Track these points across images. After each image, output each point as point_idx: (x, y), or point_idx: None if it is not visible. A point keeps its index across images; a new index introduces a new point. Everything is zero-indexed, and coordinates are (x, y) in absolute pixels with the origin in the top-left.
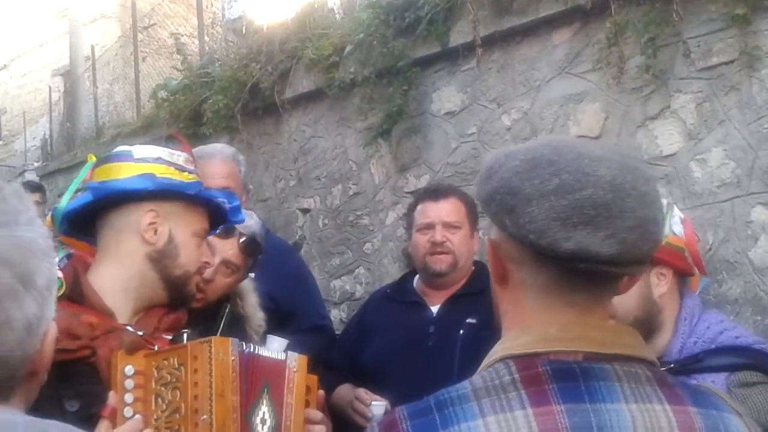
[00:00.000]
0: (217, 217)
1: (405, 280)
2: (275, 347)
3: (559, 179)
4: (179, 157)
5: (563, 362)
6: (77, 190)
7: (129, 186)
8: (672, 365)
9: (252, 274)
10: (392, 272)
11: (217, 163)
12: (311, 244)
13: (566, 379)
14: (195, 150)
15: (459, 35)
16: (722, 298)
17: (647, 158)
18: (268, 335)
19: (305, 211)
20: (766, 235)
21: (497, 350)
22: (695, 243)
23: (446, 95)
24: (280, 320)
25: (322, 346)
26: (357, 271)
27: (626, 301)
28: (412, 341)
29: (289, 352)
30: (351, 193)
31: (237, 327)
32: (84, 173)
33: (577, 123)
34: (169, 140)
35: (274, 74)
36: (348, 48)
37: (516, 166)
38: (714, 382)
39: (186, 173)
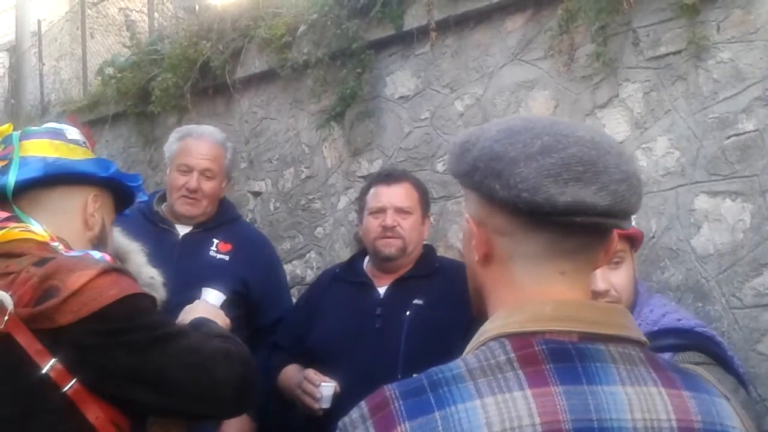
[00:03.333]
0: (123, 199)
1: (354, 261)
2: (212, 299)
3: (541, 141)
4: (85, 139)
5: (559, 342)
6: None
7: (86, 169)
8: (647, 346)
9: (227, 257)
10: (343, 257)
11: (207, 143)
12: (262, 228)
13: (563, 359)
14: (186, 127)
15: (413, 19)
16: (664, 285)
17: None
18: (204, 288)
19: (256, 194)
20: (708, 223)
21: (488, 329)
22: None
23: (400, 79)
24: (247, 308)
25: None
26: (308, 255)
27: (624, 284)
28: (360, 322)
29: None
30: (303, 176)
31: None
32: (16, 143)
33: (528, 110)
34: (64, 122)
35: (225, 53)
36: (301, 28)
37: (494, 135)
38: None
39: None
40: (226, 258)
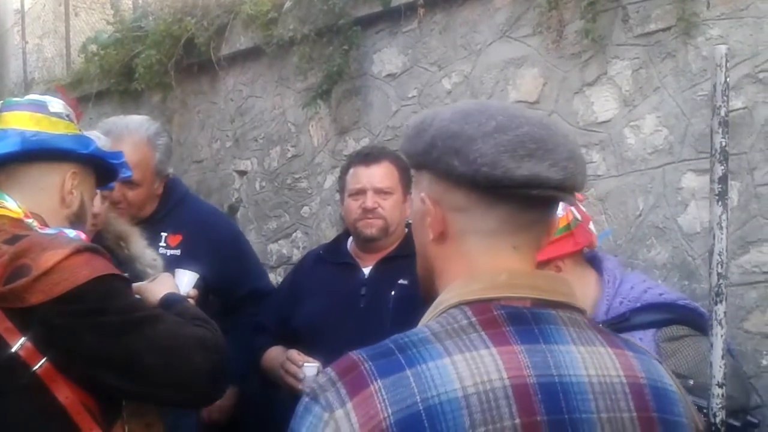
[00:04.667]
0: (105, 174)
1: (338, 242)
2: (186, 281)
3: (495, 121)
4: (72, 113)
5: (514, 307)
6: None
7: (65, 145)
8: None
9: (178, 251)
10: (330, 236)
11: (126, 146)
12: (248, 207)
13: (520, 322)
14: (107, 121)
15: None
16: (651, 263)
17: (583, 124)
18: (177, 269)
19: (242, 173)
20: (695, 201)
21: (445, 298)
22: (577, 206)
23: (387, 57)
24: (211, 292)
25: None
26: (294, 234)
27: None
28: (344, 303)
29: None
30: (289, 155)
31: (124, 269)
32: None
33: (516, 88)
34: (51, 93)
35: (210, 29)
36: (287, 4)
37: (450, 116)
38: (642, 339)
39: (79, 131)
40: (177, 252)
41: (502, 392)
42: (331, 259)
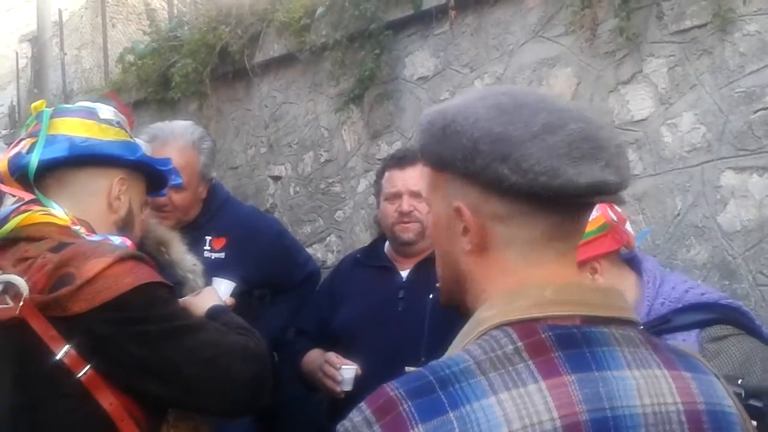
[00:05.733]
0: (154, 181)
1: (376, 245)
2: (223, 290)
3: (540, 118)
4: (124, 119)
5: (564, 327)
6: (22, 139)
7: (113, 151)
8: (642, 327)
9: (222, 254)
10: (364, 240)
11: (172, 151)
12: (282, 212)
13: (570, 345)
14: (152, 127)
15: None
16: (690, 263)
17: (618, 123)
18: (214, 278)
19: (276, 178)
20: (735, 199)
21: (487, 316)
22: (612, 207)
23: (419, 60)
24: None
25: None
26: (329, 239)
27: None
28: (382, 306)
29: None
30: (323, 160)
31: (165, 274)
32: (45, 121)
33: (550, 88)
34: (103, 99)
35: (243, 37)
36: (319, 10)
37: (485, 114)
38: (685, 340)
39: (130, 137)
40: (222, 255)
41: None
42: (368, 263)
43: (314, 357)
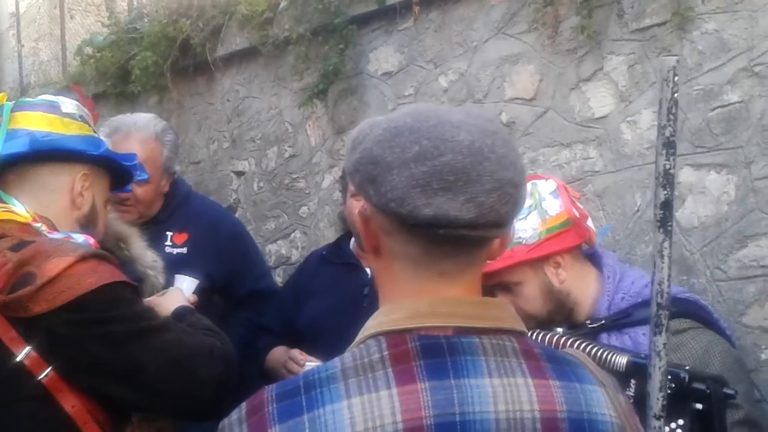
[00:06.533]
0: (118, 176)
1: (341, 242)
2: (186, 287)
3: (419, 146)
4: (87, 113)
5: (432, 337)
6: None
7: (75, 146)
8: (603, 322)
9: (184, 249)
10: (328, 236)
11: (134, 143)
12: (246, 208)
13: (433, 355)
14: (114, 119)
15: None
16: (649, 259)
17: (580, 120)
18: (177, 275)
19: (239, 173)
20: (692, 196)
21: (369, 326)
22: (574, 203)
23: (383, 55)
24: (216, 291)
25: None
26: (293, 235)
27: (532, 303)
28: (347, 303)
29: None
30: (287, 155)
31: (125, 271)
32: (6, 115)
33: (513, 85)
34: (66, 92)
35: (205, 30)
36: (282, 4)
37: (378, 135)
38: (645, 334)
39: (93, 132)
40: (184, 250)
41: None
42: (334, 260)
43: (278, 354)
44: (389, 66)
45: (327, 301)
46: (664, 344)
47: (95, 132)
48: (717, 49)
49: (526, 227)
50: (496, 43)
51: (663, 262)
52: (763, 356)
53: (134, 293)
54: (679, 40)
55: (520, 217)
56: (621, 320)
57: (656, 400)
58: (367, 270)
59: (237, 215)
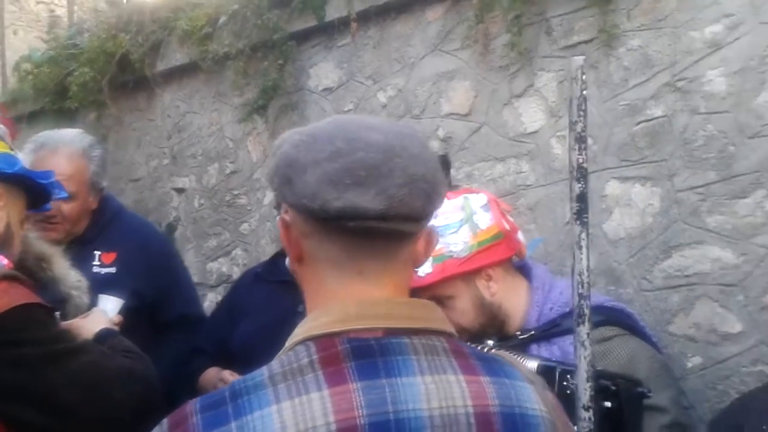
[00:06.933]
0: (35, 195)
1: (276, 259)
2: (110, 308)
3: (333, 146)
4: (5, 130)
5: (362, 340)
6: None
7: None
8: (533, 332)
9: (113, 269)
10: (270, 252)
11: (63, 156)
12: (186, 226)
13: (364, 356)
14: (40, 135)
15: (335, 9)
16: None
17: (513, 135)
18: (101, 295)
19: (180, 190)
20: (619, 208)
21: (298, 332)
22: (504, 216)
23: (323, 71)
24: (145, 313)
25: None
26: (234, 252)
27: (465, 316)
28: (280, 321)
29: None
30: (228, 171)
31: (48, 292)
32: None
33: (449, 101)
34: None
35: (145, 45)
36: (222, 19)
37: (297, 140)
38: (572, 343)
39: (9, 149)
40: (113, 270)
41: None
42: (269, 278)
43: (211, 375)
44: (329, 82)
45: (260, 320)
46: (588, 334)
47: (12, 150)
48: (642, 65)
49: (458, 241)
50: (432, 59)
51: (582, 254)
52: (690, 364)
53: (48, 315)
54: (606, 57)
55: (451, 231)
56: (550, 330)
57: (584, 391)
58: None
59: (177, 233)
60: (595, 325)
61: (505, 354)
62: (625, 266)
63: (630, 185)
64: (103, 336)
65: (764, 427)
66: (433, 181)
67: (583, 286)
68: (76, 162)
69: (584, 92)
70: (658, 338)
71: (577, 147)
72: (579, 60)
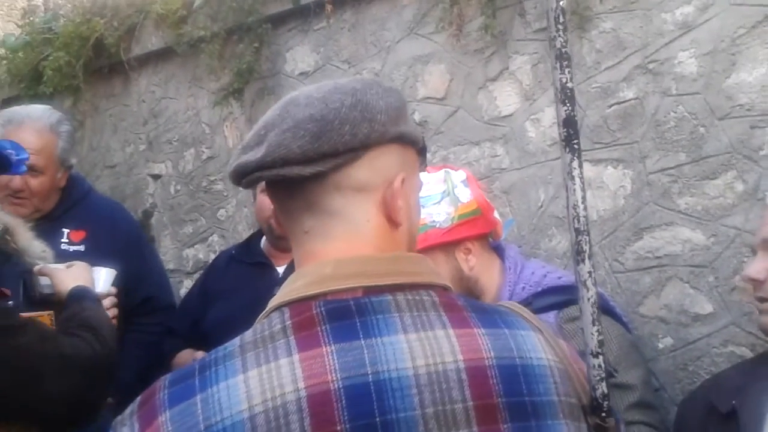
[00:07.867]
0: None
1: (251, 241)
2: (103, 278)
3: (271, 112)
4: None
5: (339, 301)
6: None
7: None
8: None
9: (82, 247)
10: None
11: (30, 131)
12: (162, 212)
13: (340, 318)
14: (7, 111)
15: None
16: (552, 253)
17: (487, 119)
18: (94, 267)
19: (156, 177)
20: (591, 190)
21: (274, 299)
22: (483, 194)
23: (299, 55)
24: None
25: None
26: (211, 238)
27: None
28: (256, 303)
29: None
30: (204, 157)
31: (11, 263)
32: None
33: (425, 84)
34: None
35: (119, 30)
36: (197, 2)
37: (278, 105)
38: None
39: None
40: (81, 248)
41: (295, 405)
42: (244, 259)
43: (185, 357)
44: (305, 66)
45: (235, 302)
46: (590, 272)
47: None
48: (614, 48)
49: (440, 211)
50: (408, 43)
51: (574, 184)
52: (661, 345)
53: None
54: (579, 39)
55: (434, 201)
56: None
57: (590, 336)
58: (279, 269)
59: (153, 220)
60: (566, 304)
61: (511, 304)
62: (598, 248)
63: (602, 168)
64: (76, 295)
65: (733, 402)
66: (324, 120)
67: (578, 221)
68: (45, 137)
69: (561, 3)
70: (629, 319)
71: (558, 65)
72: None
